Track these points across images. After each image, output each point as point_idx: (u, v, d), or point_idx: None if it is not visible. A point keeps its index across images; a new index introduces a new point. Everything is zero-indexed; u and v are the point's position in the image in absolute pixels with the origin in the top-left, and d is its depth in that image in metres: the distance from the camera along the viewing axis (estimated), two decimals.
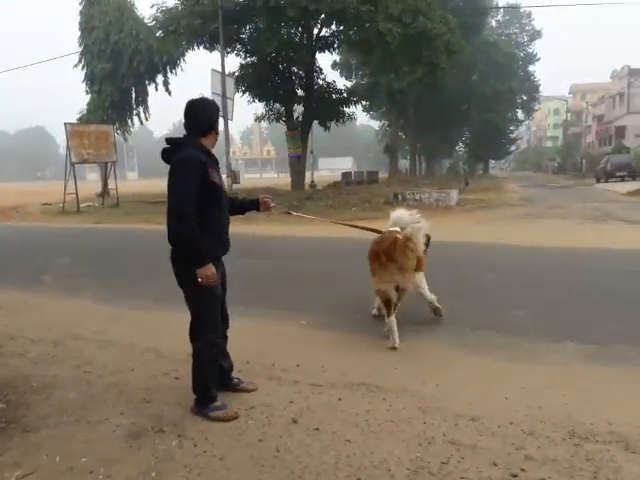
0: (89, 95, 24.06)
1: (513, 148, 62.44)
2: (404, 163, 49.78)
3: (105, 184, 22.69)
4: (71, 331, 4.73)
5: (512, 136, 53.73)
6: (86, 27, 23.61)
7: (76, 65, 24.08)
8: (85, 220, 15.71)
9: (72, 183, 17.20)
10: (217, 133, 3.11)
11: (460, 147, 57.67)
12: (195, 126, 3.02)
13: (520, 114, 53.12)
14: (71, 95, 28.64)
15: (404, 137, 43.40)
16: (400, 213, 4.03)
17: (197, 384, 3.11)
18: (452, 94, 35.46)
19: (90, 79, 23.83)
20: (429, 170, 49.73)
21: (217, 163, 3.11)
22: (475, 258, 7.66)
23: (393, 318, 4.07)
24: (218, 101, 17.22)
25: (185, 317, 3.10)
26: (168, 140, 3.05)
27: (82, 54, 23.89)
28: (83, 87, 24.30)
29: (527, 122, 70.51)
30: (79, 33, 23.94)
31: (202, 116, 3.03)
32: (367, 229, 4.52)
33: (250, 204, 3.48)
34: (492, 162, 63.42)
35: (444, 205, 15.36)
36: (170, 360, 3.94)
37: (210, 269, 2.85)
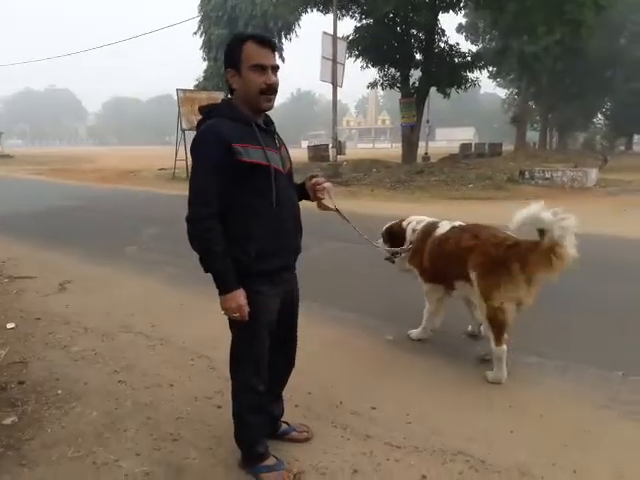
0: (206, 62, 24.33)
1: None
2: (532, 135, 45.43)
3: None
4: (126, 321, 4.18)
5: None
6: None
7: (195, 32, 24.41)
8: None
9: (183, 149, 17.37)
10: (237, 82, 1.97)
11: (599, 119, 51.25)
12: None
13: None
14: (195, 62, 29.18)
15: (534, 107, 39.36)
16: (536, 209, 2.75)
17: (238, 436, 2.28)
18: (594, 59, 31.15)
19: (207, 46, 24.02)
20: (561, 144, 44.99)
21: (270, 132, 2.08)
22: (626, 261, 6.03)
23: (505, 347, 3.04)
24: (328, 66, 16.13)
25: None
26: (200, 109, 2.11)
27: (201, 21, 24.11)
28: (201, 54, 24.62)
29: None
30: (199, 0, 24.14)
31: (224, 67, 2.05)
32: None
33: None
34: (636, 137, 55.47)
35: (579, 186, 13.19)
36: (219, 375, 3.18)
37: (236, 299, 1.94)
